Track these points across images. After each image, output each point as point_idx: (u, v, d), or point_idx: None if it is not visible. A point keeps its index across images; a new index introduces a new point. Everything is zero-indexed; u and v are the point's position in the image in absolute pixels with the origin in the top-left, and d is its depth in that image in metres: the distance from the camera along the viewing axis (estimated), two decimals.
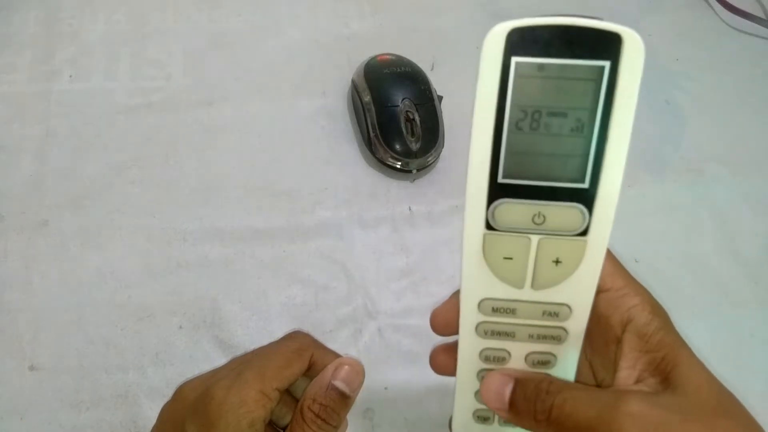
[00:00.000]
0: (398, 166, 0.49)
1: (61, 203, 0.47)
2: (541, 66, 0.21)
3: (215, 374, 0.28)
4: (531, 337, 0.24)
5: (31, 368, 0.40)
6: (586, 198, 0.22)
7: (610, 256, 0.24)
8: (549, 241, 0.23)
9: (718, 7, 0.63)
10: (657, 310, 0.25)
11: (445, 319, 0.27)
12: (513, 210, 0.22)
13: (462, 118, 0.56)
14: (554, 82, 0.21)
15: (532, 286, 0.23)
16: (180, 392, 0.28)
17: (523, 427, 0.24)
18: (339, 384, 0.28)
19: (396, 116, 0.49)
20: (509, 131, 0.22)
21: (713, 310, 0.47)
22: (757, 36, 0.62)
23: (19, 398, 0.39)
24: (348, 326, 0.44)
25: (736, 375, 0.44)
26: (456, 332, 0.26)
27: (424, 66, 0.53)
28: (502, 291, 0.24)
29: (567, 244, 0.23)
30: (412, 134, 0.49)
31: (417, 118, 0.49)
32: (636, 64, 0.20)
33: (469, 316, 0.24)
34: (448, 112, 0.51)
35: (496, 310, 0.24)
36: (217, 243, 0.46)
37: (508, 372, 0.24)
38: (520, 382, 0.24)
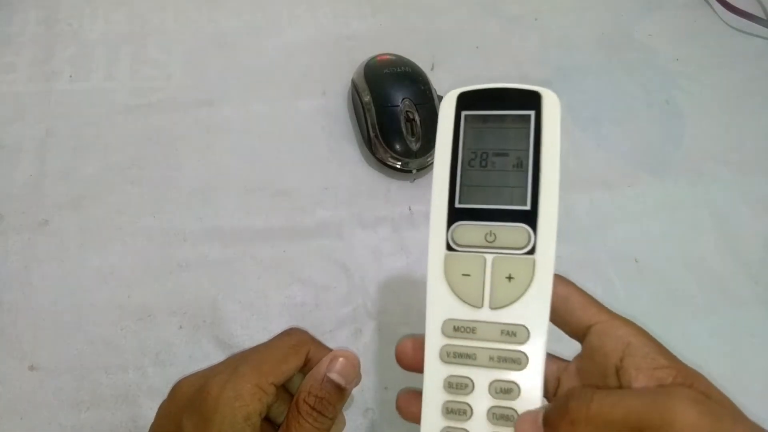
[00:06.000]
0: (398, 166, 0.49)
1: (61, 203, 0.47)
2: (484, 117, 0.27)
3: (212, 370, 0.28)
4: (492, 360, 0.25)
5: (31, 368, 0.40)
6: (530, 218, 0.26)
7: (587, 295, 0.27)
8: (501, 258, 0.26)
9: (718, 7, 0.63)
10: (651, 336, 0.25)
11: (412, 358, 0.27)
12: (468, 230, 0.26)
13: None
14: (495, 129, 0.27)
15: (490, 305, 0.26)
16: (177, 388, 0.28)
17: None
18: (334, 376, 0.28)
19: (396, 116, 0.49)
20: (463, 168, 0.27)
21: (713, 310, 0.47)
22: (757, 36, 0.62)
23: (19, 398, 0.39)
24: (348, 326, 0.44)
25: (736, 375, 0.44)
26: (420, 369, 0.27)
27: (424, 66, 0.53)
28: (462, 310, 0.26)
29: (518, 261, 0.26)
30: (412, 134, 0.49)
31: (417, 118, 0.49)
32: (554, 112, 0.26)
33: (433, 340, 0.26)
34: None
35: (457, 330, 0.26)
36: (217, 243, 0.46)
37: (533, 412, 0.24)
38: (548, 407, 0.24)
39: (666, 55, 0.60)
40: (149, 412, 0.39)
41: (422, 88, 0.51)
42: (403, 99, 0.50)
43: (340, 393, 0.28)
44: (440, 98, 0.52)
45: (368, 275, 0.46)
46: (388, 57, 0.53)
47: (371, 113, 0.50)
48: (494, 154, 0.27)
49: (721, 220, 0.51)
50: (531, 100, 0.27)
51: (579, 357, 0.27)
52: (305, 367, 0.29)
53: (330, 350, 0.30)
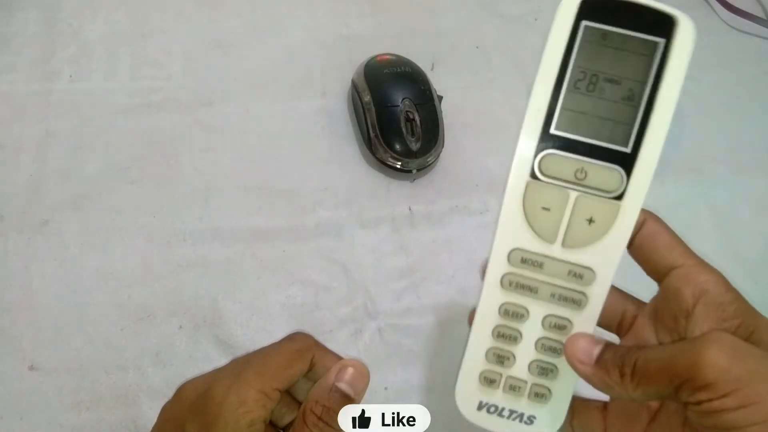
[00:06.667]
0: (398, 166, 0.49)
1: (61, 203, 0.47)
2: (605, 33, 0.24)
3: (216, 374, 0.28)
4: (552, 297, 0.25)
5: (31, 368, 0.40)
6: (627, 162, 0.24)
7: (675, 237, 0.26)
8: (586, 198, 0.24)
9: (718, 7, 0.63)
10: (731, 285, 0.25)
11: None
12: (558, 161, 0.24)
13: (462, 118, 0.56)
14: (614, 50, 0.24)
15: (563, 243, 0.25)
16: (181, 392, 0.28)
17: (602, 382, 0.24)
18: (343, 386, 0.27)
19: (396, 116, 0.49)
20: (567, 89, 0.24)
21: None
22: (757, 36, 0.62)
23: (19, 398, 0.39)
24: (348, 326, 0.44)
25: None
26: None
27: (424, 66, 0.53)
28: (533, 243, 0.25)
29: (602, 204, 0.24)
30: (412, 134, 0.49)
31: (417, 118, 0.49)
32: (687, 45, 0.23)
33: (497, 266, 0.26)
34: (448, 112, 0.51)
35: (524, 262, 0.25)
36: (217, 243, 0.46)
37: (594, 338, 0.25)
38: (610, 346, 0.25)
39: None
40: (149, 412, 0.40)
41: (422, 88, 0.51)
42: (403, 99, 0.50)
43: (348, 403, 0.27)
44: (440, 98, 0.52)
45: (368, 275, 0.46)
46: (388, 57, 0.53)
47: (371, 113, 0.50)
48: (605, 79, 0.24)
49: (721, 220, 0.51)
50: (664, 24, 0.24)
51: (655, 298, 0.27)
52: (310, 373, 0.29)
53: (335, 355, 0.29)
